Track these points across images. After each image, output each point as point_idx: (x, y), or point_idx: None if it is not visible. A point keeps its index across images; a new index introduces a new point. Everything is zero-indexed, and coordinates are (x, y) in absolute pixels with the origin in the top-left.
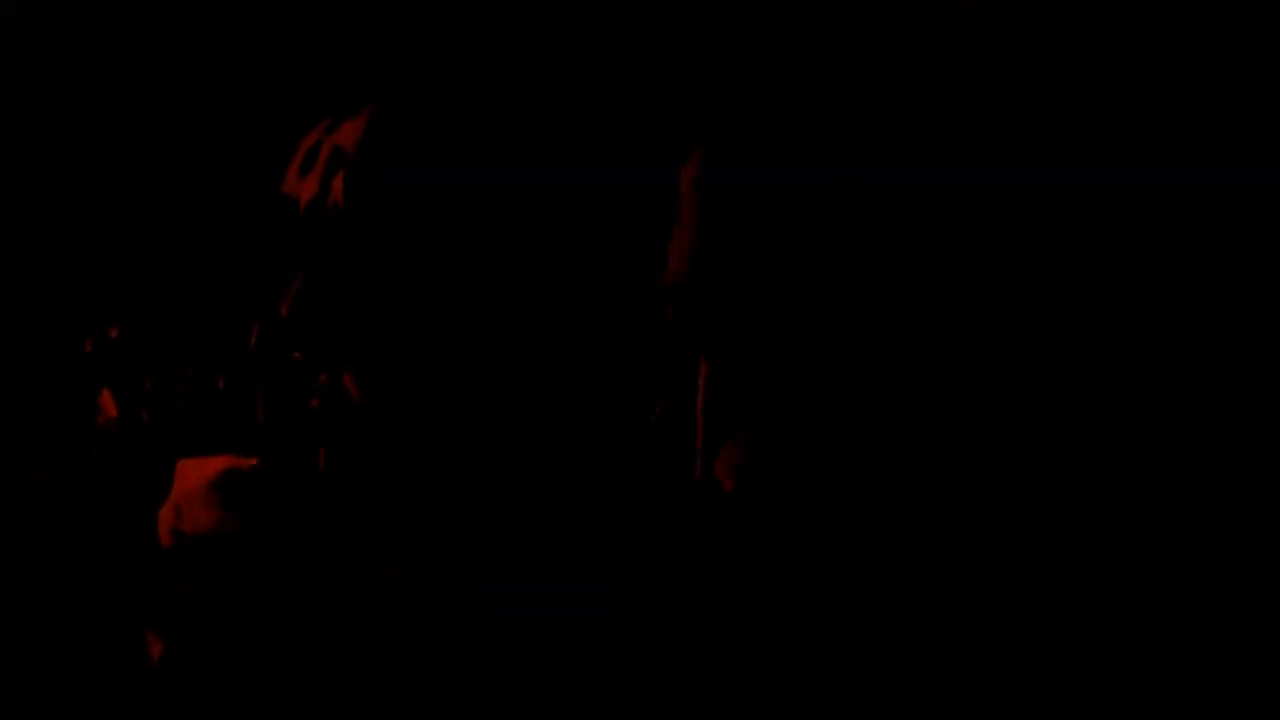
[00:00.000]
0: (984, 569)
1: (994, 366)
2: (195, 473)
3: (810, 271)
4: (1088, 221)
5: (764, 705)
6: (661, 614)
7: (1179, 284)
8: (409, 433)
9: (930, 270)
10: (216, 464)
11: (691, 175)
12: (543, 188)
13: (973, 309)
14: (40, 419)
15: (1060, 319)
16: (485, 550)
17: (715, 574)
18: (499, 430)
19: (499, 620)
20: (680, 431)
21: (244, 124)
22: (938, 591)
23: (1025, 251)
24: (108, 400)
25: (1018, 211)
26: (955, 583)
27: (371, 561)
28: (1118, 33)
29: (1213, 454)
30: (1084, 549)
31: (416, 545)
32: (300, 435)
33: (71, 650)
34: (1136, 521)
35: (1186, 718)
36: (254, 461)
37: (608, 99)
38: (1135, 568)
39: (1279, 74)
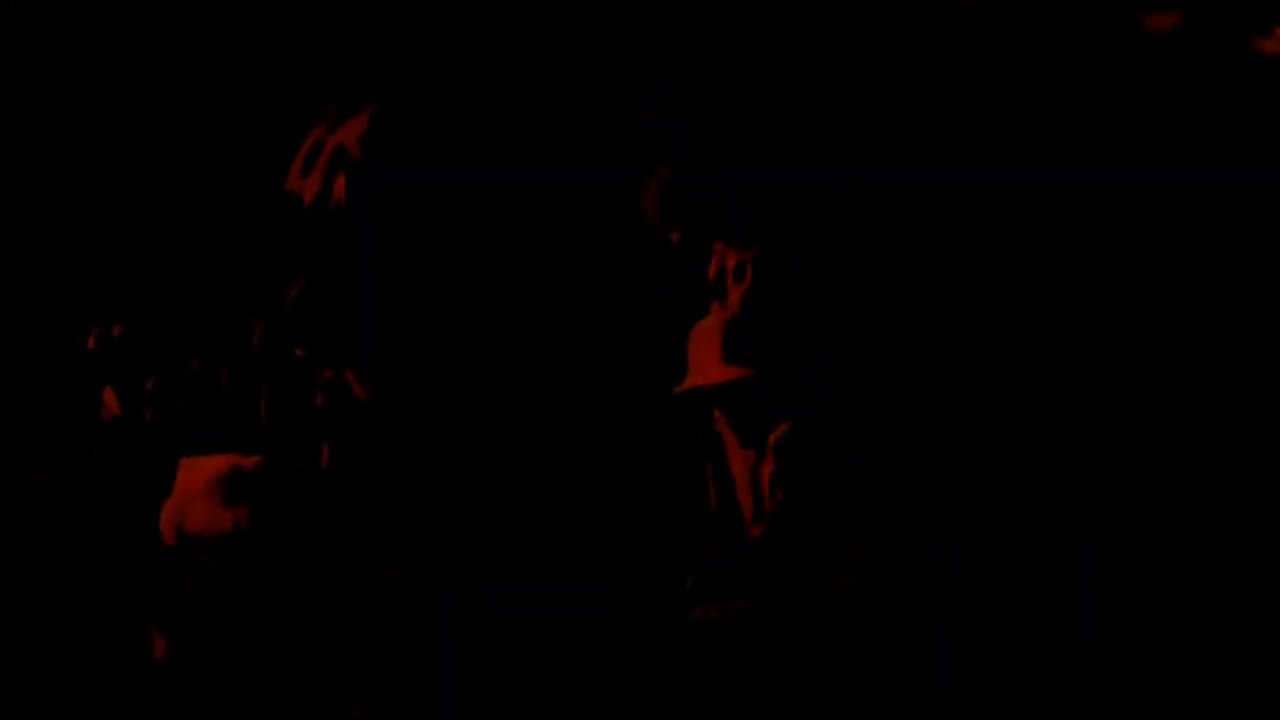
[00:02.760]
0: (984, 569)
1: (994, 366)
2: (198, 471)
3: (808, 271)
4: (1087, 221)
5: (763, 705)
6: (661, 614)
7: (1179, 284)
8: (411, 432)
9: (929, 270)
10: (220, 462)
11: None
12: (547, 187)
13: (972, 309)
14: (40, 419)
15: (1060, 319)
16: (485, 550)
17: (716, 574)
18: (500, 430)
19: (499, 620)
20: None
21: (246, 122)
22: (938, 591)
23: (1025, 252)
24: (110, 399)
25: (1018, 211)
26: (955, 583)
27: (371, 561)
28: (1118, 33)
29: (1213, 454)
30: (1084, 549)
31: (416, 545)
32: (304, 433)
33: (71, 650)
34: (1136, 521)
35: (1186, 718)
36: (258, 459)
37: (612, 98)
38: (1135, 568)
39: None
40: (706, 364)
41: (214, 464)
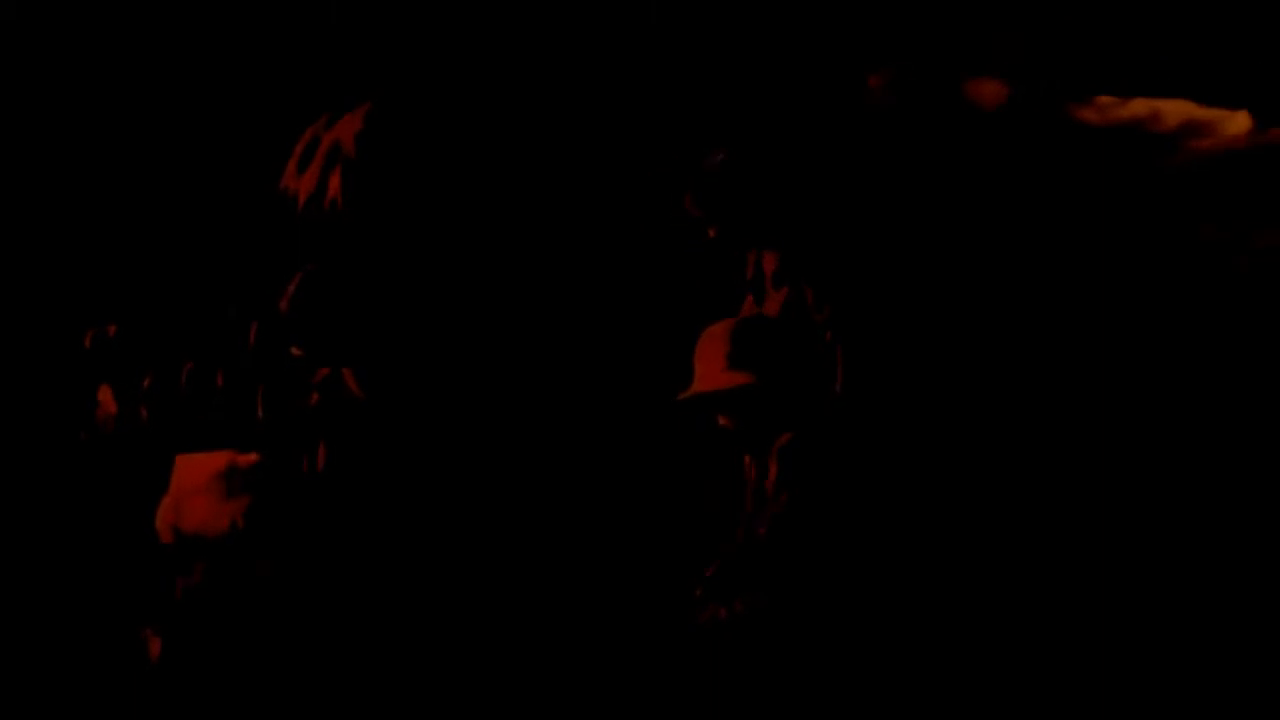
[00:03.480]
0: (984, 569)
1: (994, 366)
2: (194, 469)
3: (828, 275)
4: (1089, 220)
5: (768, 705)
6: (666, 615)
7: (1177, 283)
8: (408, 430)
9: (928, 269)
10: (216, 460)
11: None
12: (546, 186)
13: (972, 308)
14: (38, 419)
15: (1060, 319)
16: (484, 550)
17: (722, 576)
18: (501, 431)
19: (499, 620)
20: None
21: (242, 120)
22: (937, 592)
23: (1024, 251)
24: (107, 397)
25: (1017, 211)
26: (955, 583)
27: (371, 561)
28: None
29: (1213, 454)
30: (1081, 547)
31: (415, 545)
32: (300, 431)
33: (71, 650)
34: (1136, 521)
35: (1186, 717)
36: (254, 458)
37: (611, 98)
38: (1135, 567)
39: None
40: (711, 370)
41: (211, 461)
